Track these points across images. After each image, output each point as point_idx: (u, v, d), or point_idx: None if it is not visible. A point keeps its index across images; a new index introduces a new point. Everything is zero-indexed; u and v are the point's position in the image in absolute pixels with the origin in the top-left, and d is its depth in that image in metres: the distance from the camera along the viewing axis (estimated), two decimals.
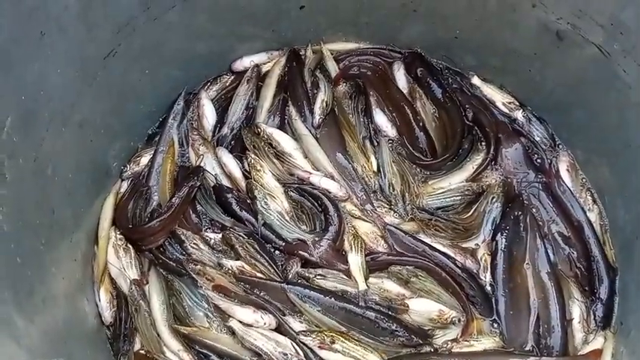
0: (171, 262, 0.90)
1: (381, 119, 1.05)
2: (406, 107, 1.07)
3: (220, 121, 1.06)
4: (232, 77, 1.09)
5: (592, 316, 0.89)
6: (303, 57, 1.11)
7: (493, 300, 0.90)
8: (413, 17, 1.05)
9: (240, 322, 0.85)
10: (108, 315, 0.85)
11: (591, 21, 0.85)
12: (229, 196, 0.95)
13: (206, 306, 0.87)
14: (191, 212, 0.95)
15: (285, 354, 0.82)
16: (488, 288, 0.90)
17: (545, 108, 1.05)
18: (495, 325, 0.88)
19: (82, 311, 0.82)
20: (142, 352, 0.83)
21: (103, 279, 0.87)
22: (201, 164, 0.99)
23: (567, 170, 0.99)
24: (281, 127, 1.06)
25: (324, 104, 1.05)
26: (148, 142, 1.02)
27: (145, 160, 0.99)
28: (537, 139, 1.03)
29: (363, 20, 1.09)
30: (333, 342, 0.83)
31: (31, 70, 0.72)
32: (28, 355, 0.63)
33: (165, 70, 1.01)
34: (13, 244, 0.67)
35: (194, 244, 0.91)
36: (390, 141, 1.03)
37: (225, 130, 1.04)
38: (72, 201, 0.85)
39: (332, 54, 1.13)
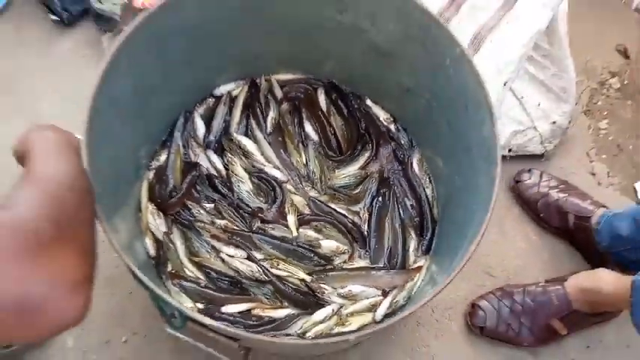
0: (185, 222, 1.19)
1: (309, 129, 1.35)
2: (324, 120, 1.35)
3: (207, 131, 1.31)
4: (213, 100, 1.35)
5: (420, 248, 1.23)
6: (259, 84, 1.36)
7: (367, 239, 1.22)
8: (330, 58, 1.32)
9: (227, 254, 1.17)
10: (152, 251, 1.15)
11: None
12: (216, 181, 1.24)
13: (207, 246, 1.18)
14: (194, 191, 1.24)
15: (252, 271, 1.15)
16: (365, 233, 1.23)
17: (407, 123, 1.36)
18: (366, 254, 1.23)
19: (137, 250, 1.12)
20: (173, 271, 1.12)
21: (147, 232, 1.16)
22: (198, 161, 1.26)
23: (417, 163, 1.30)
24: (245, 134, 1.32)
25: (273, 120, 1.33)
26: (162, 146, 1.28)
27: (162, 157, 1.26)
28: (402, 142, 1.33)
29: (297, 60, 1.36)
30: (278, 265, 1.17)
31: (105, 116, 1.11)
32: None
33: (171, 100, 1.26)
34: (108, 209, 0.91)
35: (197, 210, 1.22)
36: (314, 144, 1.33)
37: (211, 137, 1.30)
38: (126, 184, 1.15)
39: (278, 83, 1.37)
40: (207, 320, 0.80)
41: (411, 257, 1.25)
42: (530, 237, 1.38)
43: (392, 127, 1.38)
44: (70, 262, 0.57)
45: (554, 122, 1.38)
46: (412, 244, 1.25)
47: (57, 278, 0.55)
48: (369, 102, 1.40)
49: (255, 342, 0.88)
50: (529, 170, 1.40)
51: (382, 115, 1.39)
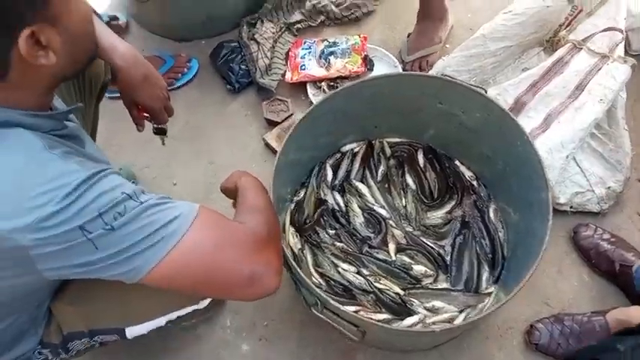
0: (314, 242, 1.47)
1: (409, 180, 1.59)
2: (422, 174, 1.61)
3: (334, 177, 1.60)
4: (340, 155, 1.64)
5: (491, 278, 1.41)
6: (374, 145, 1.65)
7: (449, 267, 1.43)
8: (430, 129, 1.61)
9: (343, 269, 1.45)
10: (291, 262, 1.33)
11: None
12: (338, 214, 1.53)
13: (329, 261, 1.47)
14: (322, 220, 1.51)
15: (360, 283, 1.38)
16: (448, 262, 1.44)
17: (487, 180, 1.59)
18: (448, 278, 1.42)
19: None
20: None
21: (288, 247, 1.43)
22: (326, 198, 1.54)
23: (493, 212, 1.52)
24: (361, 181, 1.58)
25: (383, 171, 1.61)
26: (302, 186, 1.58)
27: (301, 194, 1.55)
28: (482, 195, 1.55)
29: (405, 129, 1.65)
30: (379, 280, 1.39)
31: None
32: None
33: (313, 154, 1.60)
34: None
35: (323, 234, 1.51)
36: (413, 192, 1.57)
37: (336, 182, 1.58)
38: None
39: (388, 144, 1.66)
40: (341, 307, 1.09)
41: (484, 284, 1.43)
42: (582, 277, 1.56)
43: (474, 183, 1.62)
44: (274, 255, 0.85)
45: (609, 187, 1.58)
46: (485, 275, 1.45)
47: (268, 264, 0.82)
48: (457, 162, 1.66)
49: (369, 326, 1.11)
50: (586, 224, 1.59)
51: (467, 173, 1.64)
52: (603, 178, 1.61)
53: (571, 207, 1.60)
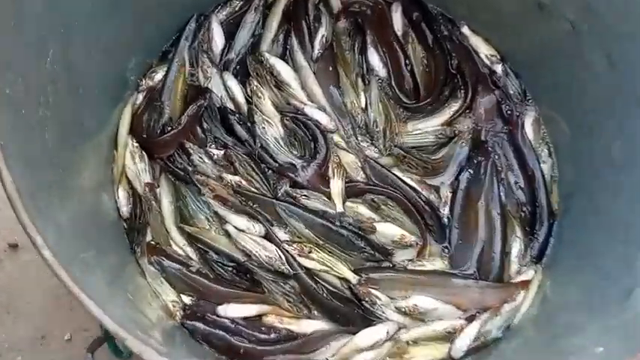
0: (179, 171, 1.02)
1: (374, 59, 1.13)
2: (398, 49, 1.14)
3: (228, 45, 1.13)
4: (242, 2, 1.15)
5: (528, 252, 1.01)
6: None
7: (447, 230, 1.03)
8: None
9: (235, 227, 0.99)
10: (125, 210, 0.98)
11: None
12: (232, 117, 1.06)
13: (207, 211, 1.00)
14: (198, 129, 1.05)
15: (270, 257, 0.96)
16: (445, 220, 1.03)
17: (521, 65, 1.13)
18: (446, 251, 1.02)
19: (104, 205, 0.96)
20: (153, 243, 0.97)
21: (121, 179, 0.99)
22: (209, 86, 1.08)
23: (532, 124, 1.09)
24: (282, 56, 1.13)
25: (324, 39, 1.13)
26: (161, 59, 1.10)
27: (158, 76, 1.08)
28: (511, 92, 1.12)
29: None
30: (310, 252, 0.97)
31: (68, 6, 0.82)
32: (60, 235, 0.75)
33: None
34: (55, 157, 0.80)
35: (199, 157, 1.03)
36: (380, 80, 1.12)
37: (232, 54, 1.12)
38: (97, 113, 0.96)
39: None
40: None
41: (514, 265, 1.02)
42: None
43: (498, 68, 1.14)
44: None
45: None
46: (517, 246, 1.02)
47: None
48: (466, 30, 1.17)
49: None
50: None
51: (485, 50, 1.16)
52: None
53: None
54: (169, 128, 1.04)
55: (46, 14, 0.77)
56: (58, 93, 0.81)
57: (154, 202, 0.99)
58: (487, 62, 1.14)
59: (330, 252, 0.99)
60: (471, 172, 1.06)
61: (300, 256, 0.98)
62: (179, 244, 0.99)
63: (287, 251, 0.98)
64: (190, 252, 0.98)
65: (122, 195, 0.99)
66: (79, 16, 0.86)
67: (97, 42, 0.91)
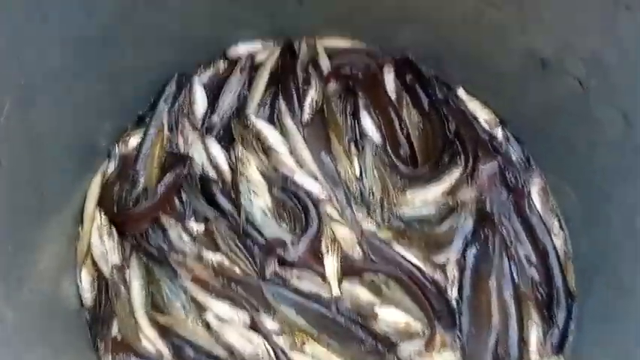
0: (153, 250, 0.92)
1: (367, 122, 1.07)
2: (393, 113, 1.08)
3: (211, 108, 1.06)
4: (226, 65, 1.10)
5: (548, 340, 0.92)
6: (297, 50, 1.11)
7: (457, 315, 0.93)
8: (408, 21, 1.06)
9: (216, 316, 0.88)
10: (88, 297, 0.87)
11: (574, 54, 0.88)
12: (214, 187, 0.97)
13: (184, 297, 0.89)
14: (176, 200, 0.96)
15: (257, 353, 0.85)
16: (454, 303, 0.93)
17: (524, 130, 1.07)
18: (457, 341, 0.92)
19: (63, 292, 0.84)
20: (118, 339, 0.86)
21: (86, 261, 0.88)
22: (189, 152, 1.00)
23: (538, 193, 1.02)
24: (270, 120, 1.06)
25: (314, 102, 1.07)
26: (138, 124, 1.03)
27: (133, 142, 1.00)
28: (513, 158, 1.06)
29: (358, 19, 1.09)
30: (303, 344, 0.87)
31: (31, 54, 0.72)
32: (6, 335, 0.65)
33: (159, 52, 1.00)
34: (4, 232, 0.69)
35: (177, 232, 0.93)
36: (374, 147, 1.05)
37: (215, 118, 1.04)
38: (62, 180, 0.87)
39: (325, 50, 1.13)
40: None
41: (534, 356, 0.93)
42: None
43: (498, 133, 1.09)
44: None
45: None
46: (534, 332, 0.94)
47: None
48: (462, 93, 1.12)
49: None
50: None
51: (483, 115, 1.11)
52: None
53: None
54: (144, 200, 0.95)
55: (1, 61, 0.68)
56: (14, 155, 0.71)
57: (122, 287, 0.88)
58: (486, 127, 1.08)
59: (326, 344, 0.89)
60: (479, 247, 0.98)
61: (291, 350, 0.87)
62: (150, 338, 0.87)
63: (276, 344, 0.88)
64: (163, 347, 0.87)
65: (85, 279, 0.88)
66: (44, 71, 0.77)
67: (64, 102, 0.83)
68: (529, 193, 1.03)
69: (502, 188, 1.04)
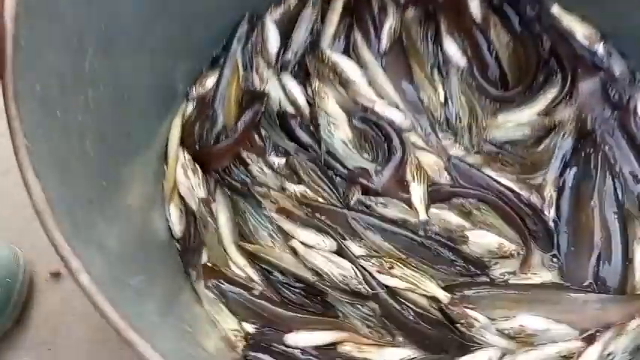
0: (236, 184, 0.93)
1: (451, 47, 1.02)
2: (479, 35, 1.03)
3: (285, 45, 1.05)
4: (297, 1, 1.07)
5: None
6: None
7: (555, 235, 0.90)
8: None
9: (302, 243, 0.89)
10: (178, 230, 0.89)
11: None
12: (293, 122, 0.97)
13: (270, 226, 0.90)
14: (256, 136, 0.97)
15: (345, 276, 0.85)
16: (551, 224, 0.90)
17: (628, 42, 0.99)
18: (555, 260, 0.89)
19: (154, 224, 0.87)
20: (210, 265, 0.88)
21: (173, 196, 0.90)
22: (265, 89, 1.00)
23: None
24: (345, 53, 1.04)
25: (392, 30, 1.03)
26: (212, 65, 1.03)
27: (210, 82, 1.00)
28: (617, 74, 0.98)
29: None
30: (391, 267, 0.86)
31: (109, 2, 0.74)
32: (103, 258, 0.67)
33: None
34: (97, 168, 0.71)
35: (259, 167, 0.94)
36: (460, 72, 1.01)
37: (289, 55, 1.03)
38: (145, 123, 0.88)
39: None
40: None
41: (638, 274, 0.91)
42: None
43: (599, 49, 1.02)
44: None
45: None
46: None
47: None
48: (556, 9, 1.04)
49: None
50: None
51: (581, 30, 1.03)
52: None
53: None
54: (224, 137, 0.96)
55: (82, 4, 0.69)
56: (100, 98, 0.73)
57: (209, 220, 0.90)
58: (585, 42, 1.01)
59: (414, 267, 0.88)
60: (579, 166, 0.93)
61: (379, 273, 0.86)
62: (239, 265, 0.89)
63: (364, 268, 0.87)
64: (252, 273, 0.88)
65: (174, 213, 0.90)
66: (121, 15, 0.78)
67: (142, 46, 0.84)
68: (635, 107, 0.97)
69: (605, 105, 0.98)
